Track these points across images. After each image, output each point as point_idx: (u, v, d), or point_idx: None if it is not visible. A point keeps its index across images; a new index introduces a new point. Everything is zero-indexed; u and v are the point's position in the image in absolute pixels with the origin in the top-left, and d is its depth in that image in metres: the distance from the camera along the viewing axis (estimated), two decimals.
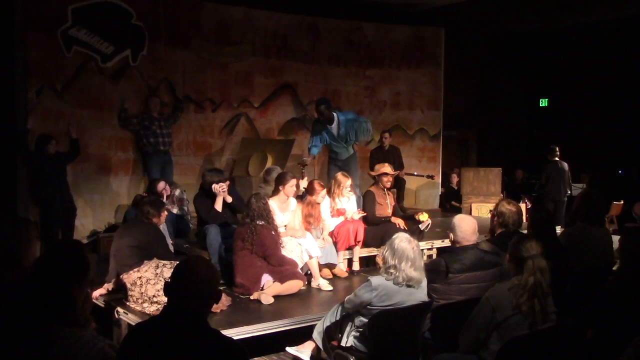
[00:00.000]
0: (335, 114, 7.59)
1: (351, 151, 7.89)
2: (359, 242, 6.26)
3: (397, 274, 3.66)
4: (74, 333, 2.28)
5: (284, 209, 5.98)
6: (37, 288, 2.34)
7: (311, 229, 6.04)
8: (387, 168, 6.67)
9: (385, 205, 6.65)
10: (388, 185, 6.64)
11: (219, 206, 6.06)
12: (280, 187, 5.93)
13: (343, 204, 6.46)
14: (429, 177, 9.61)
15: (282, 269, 5.30)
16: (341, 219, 6.35)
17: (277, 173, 6.70)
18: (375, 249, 6.52)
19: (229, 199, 6.14)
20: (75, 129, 7.49)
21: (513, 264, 3.35)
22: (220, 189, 6.03)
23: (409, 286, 3.69)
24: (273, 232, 5.37)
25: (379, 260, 6.23)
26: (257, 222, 5.30)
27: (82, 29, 7.66)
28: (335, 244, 6.19)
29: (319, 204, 6.19)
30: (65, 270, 2.40)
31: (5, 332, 2.28)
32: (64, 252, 2.55)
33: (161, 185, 7.01)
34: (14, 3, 7.24)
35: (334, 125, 7.60)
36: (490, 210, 4.94)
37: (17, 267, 3.02)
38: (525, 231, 4.86)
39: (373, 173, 6.84)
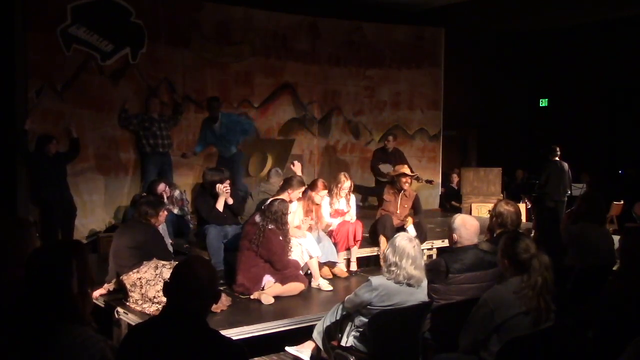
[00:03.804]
0: (219, 114, 8.45)
1: (233, 150, 8.55)
2: (357, 241, 6.27)
3: (398, 272, 3.67)
4: (75, 330, 2.28)
5: None
6: (33, 285, 2.34)
7: (312, 225, 6.03)
8: (406, 169, 6.72)
9: (394, 203, 6.68)
10: (406, 186, 6.69)
11: (220, 206, 6.07)
12: (289, 190, 5.91)
13: (342, 205, 6.45)
14: (427, 181, 9.62)
15: (285, 271, 5.30)
16: (340, 219, 6.35)
17: (279, 173, 6.80)
18: (376, 249, 6.55)
19: (230, 201, 6.15)
20: (75, 129, 7.49)
21: (513, 267, 3.31)
22: (224, 189, 6.04)
23: (409, 285, 3.69)
24: (281, 238, 5.35)
25: (381, 259, 6.28)
26: (268, 226, 5.29)
27: (81, 27, 7.65)
28: (335, 244, 6.18)
29: (318, 204, 6.18)
30: (57, 265, 2.39)
31: (6, 331, 2.28)
32: (52, 249, 2.55)
33: (161, 186, 7.00)
34: (14, 3, 7.24)
35: (217, 124, 8.39)
36: (489, 211, 4.94)
37: (18, 268, 3.02)
38: (524, 231, 4.86)
39: (392, 173, 6.93)
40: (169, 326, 2.30)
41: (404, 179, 6.64)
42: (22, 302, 2.34)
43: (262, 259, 5.25)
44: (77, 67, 7.70)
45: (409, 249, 3.68)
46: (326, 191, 6.18)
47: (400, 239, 3.76)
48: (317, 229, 6.13)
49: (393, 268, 3.69)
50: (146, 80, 8.36)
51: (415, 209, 6.76)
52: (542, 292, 3.16)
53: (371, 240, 6.64)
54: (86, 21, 7.69)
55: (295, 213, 6.07)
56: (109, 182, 8.08)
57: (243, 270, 5.26)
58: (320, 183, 6.16)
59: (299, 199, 6.08)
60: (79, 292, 2.38)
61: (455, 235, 4.08)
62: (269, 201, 5.60)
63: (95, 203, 7.93)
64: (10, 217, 5.83)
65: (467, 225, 4.06)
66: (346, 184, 6.42)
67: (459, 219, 4.13)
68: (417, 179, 8.77)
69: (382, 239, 6.34)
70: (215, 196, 6.08)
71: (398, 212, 6.67)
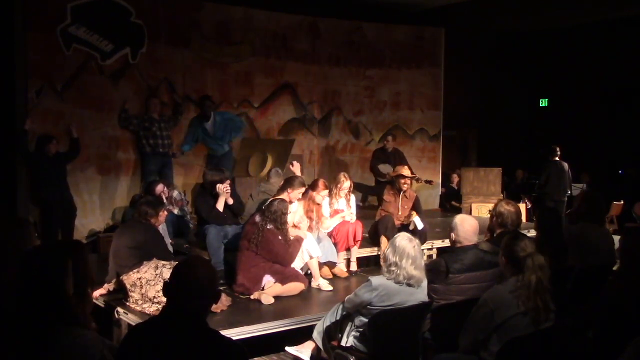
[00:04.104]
0: (212, 112, 8.39)
1: (226, 148, 8.57)
2: (357, 241, 6.27)
3: (398, 272, 3.67)
4: (74, 331, 2.28)
5: None
6: (27, 287, 2.34)
7: (312, 225, 6.03)
8: (405, 171, 6.70)
9: (394, 204, 6.70)
10: (405, 187, 6.67)
11: (220, 206, 6.06)
12: (289, 190, 5.91)
13: (342, 205, 6.45)
14: (427, 182, 9.62)
15: (285, 271, 5.31)
16: (339, 219, 6.35)
17: (279, 173, 6.81)
18: (376, 248, 6.54)
19: (231, 201, 6.14)
20: (76, 129, 7.49)
21: (510, 265, 3.34)
22: (225, 189, 6.04)
23: (409, 285, 3.69)
24: (280, 237, 5.35)
25: (382, 259, 6.27)
26: (267, 226, 5.29)
27: (81, 27, 7.65)
28: (335, 244, 6.18)
29: (319, 204, 6.18)
30: (50, 267, 2.38)
31: (5, 332, 2.27)
32: (46, 250, 2.55)
33: (159, 187, 7.00)
34: (14, 3, 7.24)
35: (210, 123, 8.35)
36: (490, 210, 4.94)
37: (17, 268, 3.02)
38: (525, 231, 4.86)
39: (392, 174, 6.96)
40: (169, 326, 2.30)
41: (402, 180, 6.65)
42: (19, 303, 2.33)
43: (262, 259, 5.25)
44: (77, 67, 7.70)
45: (409, 249, 3.68)
46: (327, 191, 6.19)
47: (401, 239, 3.76)
48: (318, 229, 6.14)
49: (393, 268, 3.69)
50: (146, 80, 8.35)
51: (416, 210, 6.72)
52: (538, 292, 3.17)
53: (371, 240, 6.64)
54: (86, 21, 7.69)
55: (296, 213, 6.07)
56: (109, 182, 8.07)
57: (243, 270, 5.26)
58: (321, 183, 6.17)
59: (299, 199, 6.08)
60: (76, 293, 2.37)
61: (454, 235, 4.08)
62: (269, 201, 5.61)
63: (95, 203, 7.94)
64: (9, 217, 5.83)
65: (466, 225, 4.07)
66: (345, 184, 6.41)
67: (458, 219, 4.14)
68: (417, 179, 8.78)
69: (383, 239, 6.34)
70: (216, 196, 6.08)
71: (399, 213, 6.67)
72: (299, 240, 5.49)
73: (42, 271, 2.35)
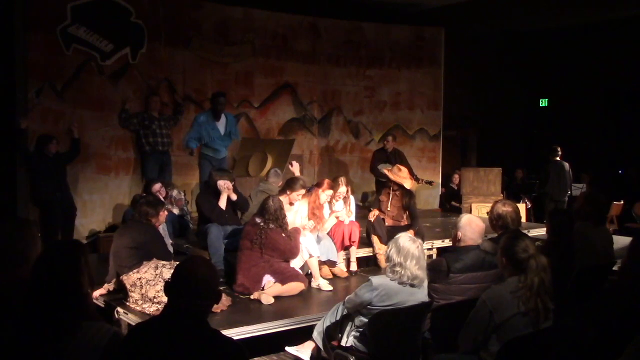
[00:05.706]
0: (224, 112, 7.92)
1: (226, 153, 8.17)
2: (353, 242, 6.26)
3: (403, 272, 3.66)
4: (86, 325, 2.30)
5: (286, 209, 5.97)
6: (44, 287, 2.35)
7: (317, 226, 6.04)
8: (395, 175, 6.63)
9: (386, 203, 6.70)
10: (392, 186, 6.67)
11: (222, 204, 6.06)
12: (288, 192, 5.92)
13: (339, 207, 6.45)
14: (427, 182, 9.59)
15: (285, 270, 5.31)
16: (333, 220, 6.36)
17: (278, 174, 6.82)
18: (372, 249, 6.55)
19: (234, 197, 6.14)
20: (77, 129, 7.49)
21: (511, 265, 3.33)
22: (226, 185, 6.04)
23: (412, 285, 3.69)
24: (283, 234, 5.37)
25: (380, 257, 6.26)
26: (269, 226, 5.30)
27: (81, 27, 7.65)
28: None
29: (322, 204, 6.19)
30: (69, 265, 2.40)
31: (19, 331, 2.28)
32: (60, 249, 2.56)
33: (156, 186, 7.00)
34: (14, 3, 7.24)
35: (221, 122, 7.92)
36: (487, 214, 4.91)
37: (18, 267, 3.02)
38: (526, 231, 4.85)
39: (388, 170, 6.96)
40: (170, 326, 2.30)
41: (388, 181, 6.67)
42: (35, 303, 2.33)
43: (262, 258, 5.25)
44: (77, 67, 7.70)
45: (413, 250, 3.68)
46: (332, 191, 6.19)
47: (404, 239, 3.74)
48: (319, 230, 6.14)
49: (397, 269, 3.68)
50: (146, 80, 8.36)
51: (411, 215, 6.65)
52: (539, 293, 3.17)
53: (368, 241, 6.64)
54: (86, 21, 7.69)
55: (297, 212, 6.08)
56: (109, 182, 8.08)
57: (243, 270, 5.27)
58: (327, 182, 6.20)
59: (304, 195, 6.09)
60: (84, 289, 2.40)
61: (459, 234, 4.07)
62: (262, 200, 5.62)
63: (95, 203, 7.93)
64: (12, 217, 5.83)
65: (473, 225, 4.06)
66: (341, 189, 6.38)
67: (466, 218, 4.13)
68: (417, 179, 8.76)
69: (375, 239, 6.43)
70: (219, 195, 6.08)
71: (389, 209, 6.66)
72: (297, 231, 5.55)
73: (63, 269, 2.37)
